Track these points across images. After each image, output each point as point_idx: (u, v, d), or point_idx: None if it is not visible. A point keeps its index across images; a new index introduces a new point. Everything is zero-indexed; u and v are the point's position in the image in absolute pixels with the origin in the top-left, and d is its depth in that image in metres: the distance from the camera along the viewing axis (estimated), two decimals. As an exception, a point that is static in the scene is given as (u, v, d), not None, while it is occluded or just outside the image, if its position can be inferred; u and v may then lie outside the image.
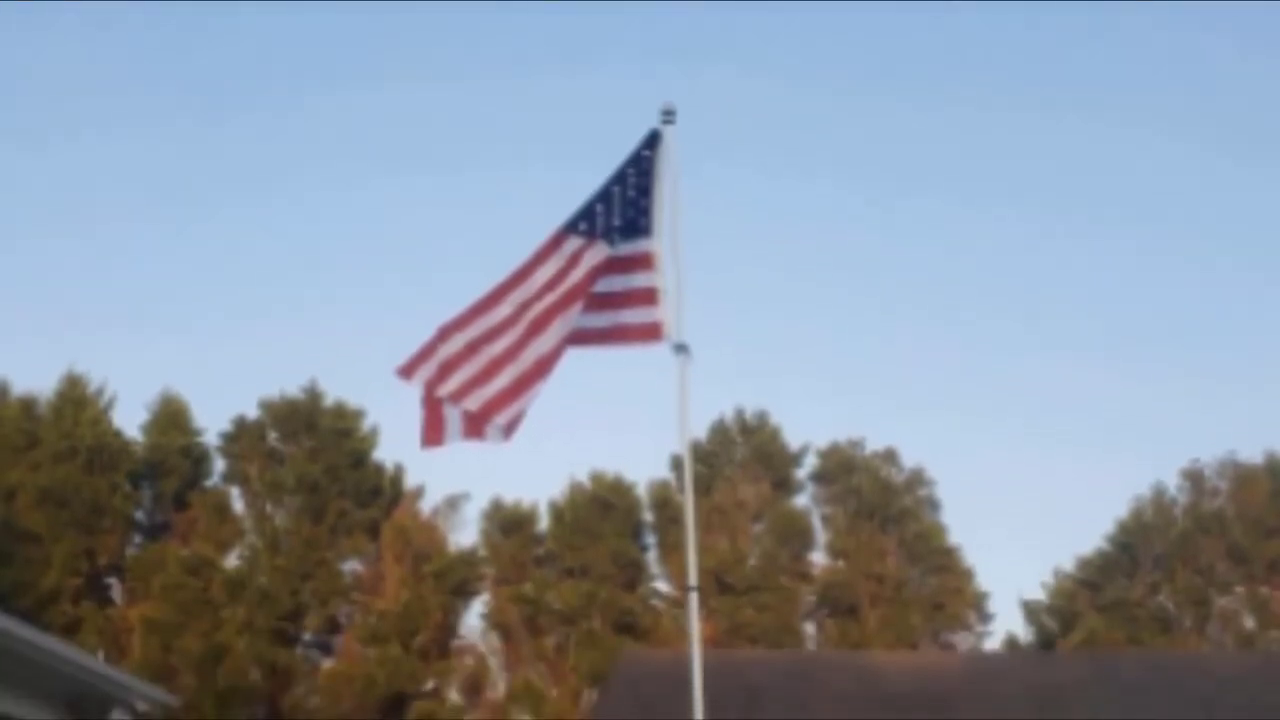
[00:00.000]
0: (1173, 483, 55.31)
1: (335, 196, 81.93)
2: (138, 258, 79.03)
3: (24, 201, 76.62)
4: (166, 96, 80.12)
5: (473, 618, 53.19)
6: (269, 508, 52.30)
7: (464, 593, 52.32)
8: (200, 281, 77.86)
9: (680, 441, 12.18)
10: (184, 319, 76.78)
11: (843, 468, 55.44)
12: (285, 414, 53.41)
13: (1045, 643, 52.22)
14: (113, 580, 51.36)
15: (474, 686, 51.57)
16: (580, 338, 11.44)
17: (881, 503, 54.07)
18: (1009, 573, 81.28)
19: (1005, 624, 68.49)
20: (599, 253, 11.48)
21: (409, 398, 11.65)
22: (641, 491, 54.61)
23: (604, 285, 11.44)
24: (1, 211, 79.68)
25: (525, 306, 11.43)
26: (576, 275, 11.42)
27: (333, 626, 51.91)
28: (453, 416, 11.48)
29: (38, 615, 42.25)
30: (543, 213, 12.22)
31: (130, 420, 53.08)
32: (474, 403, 11.34)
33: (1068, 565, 54.85)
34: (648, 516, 54.39)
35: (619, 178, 11.77)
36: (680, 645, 39.09)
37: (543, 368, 11.26)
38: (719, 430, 56.07)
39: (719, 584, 50.46)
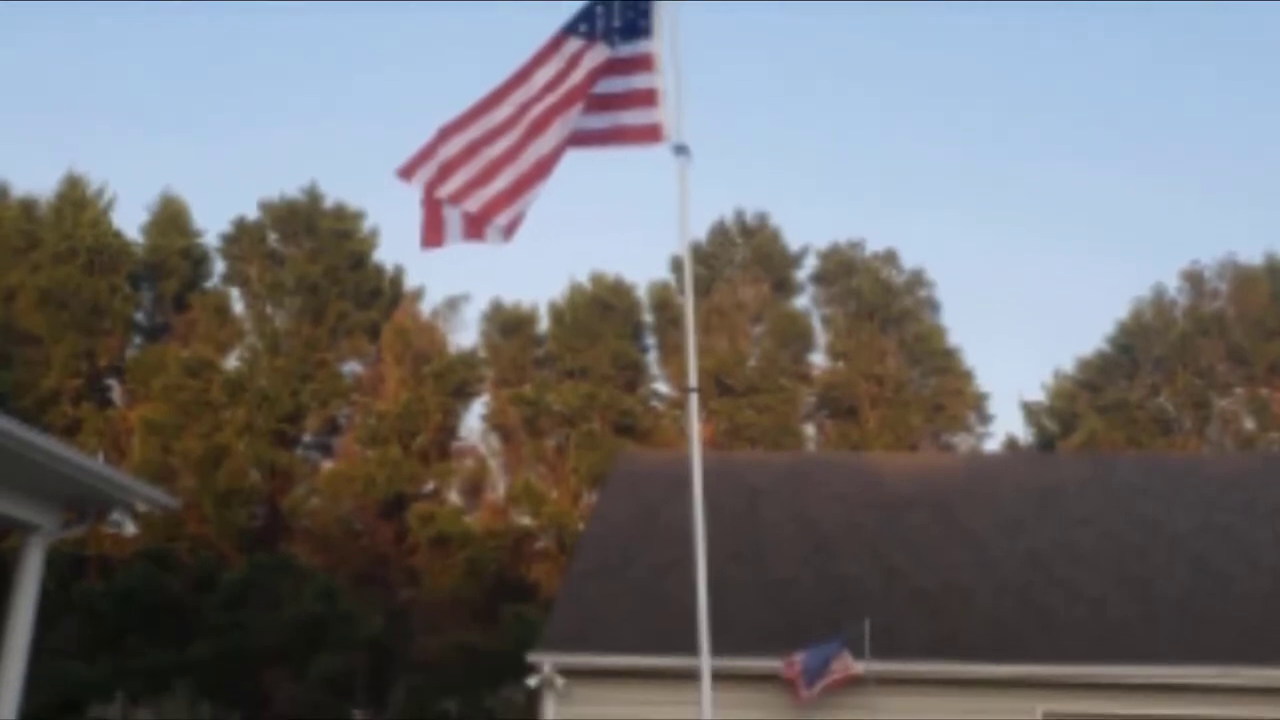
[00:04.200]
0: (1173, 284, 55.44)
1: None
2: (138, 58, 78.89)
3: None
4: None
5: (473, 419, 53.44)
6: (269, 309, 52.26)
7: (464, 394, 52.40)
8: (201, 82, 77.82)
9: (680, 243, 12.19)
10: (184, 120, 76.68)
11: (843, 269, 55.38)
12: (285, 215, 53.25)
13: (1045, 444, 52.44)
14: (112, 381, 51.49)
15: (474, 488, 51.84)
16: (580, 139, 11.41)
17: (881, 304, 54.04)
18: (1009, 374, 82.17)
19: (1005, 425, 69.20)
20: (599, 54, 11.44)
21: (409, 199, 11.66)
22: (641, 293, 54.66)
23: (604, 86, 11.41)
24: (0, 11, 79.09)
25: (525, 108, 11.40)
26: (576, 76, 11.39)
27: (332, 428, 52.08)
28: (453, 217, 11.48)
29: (37, 416, 42.52)
30: (543, 14, 12.05)
31: (130, 221, 53.11)
32: (474, 204, 11.33)
33: (1068, 366, 55.12)
34: (648, 318, 54.41)
35: (619, -21, 11.66)
36: (680, 446, 39.41)
37: (542, 169, 11.23)
38: (719, 232, 56.02)
39: (719, 385, 50.60)
